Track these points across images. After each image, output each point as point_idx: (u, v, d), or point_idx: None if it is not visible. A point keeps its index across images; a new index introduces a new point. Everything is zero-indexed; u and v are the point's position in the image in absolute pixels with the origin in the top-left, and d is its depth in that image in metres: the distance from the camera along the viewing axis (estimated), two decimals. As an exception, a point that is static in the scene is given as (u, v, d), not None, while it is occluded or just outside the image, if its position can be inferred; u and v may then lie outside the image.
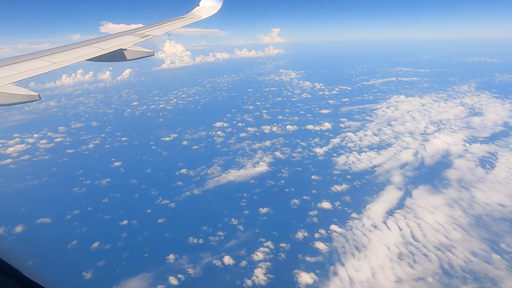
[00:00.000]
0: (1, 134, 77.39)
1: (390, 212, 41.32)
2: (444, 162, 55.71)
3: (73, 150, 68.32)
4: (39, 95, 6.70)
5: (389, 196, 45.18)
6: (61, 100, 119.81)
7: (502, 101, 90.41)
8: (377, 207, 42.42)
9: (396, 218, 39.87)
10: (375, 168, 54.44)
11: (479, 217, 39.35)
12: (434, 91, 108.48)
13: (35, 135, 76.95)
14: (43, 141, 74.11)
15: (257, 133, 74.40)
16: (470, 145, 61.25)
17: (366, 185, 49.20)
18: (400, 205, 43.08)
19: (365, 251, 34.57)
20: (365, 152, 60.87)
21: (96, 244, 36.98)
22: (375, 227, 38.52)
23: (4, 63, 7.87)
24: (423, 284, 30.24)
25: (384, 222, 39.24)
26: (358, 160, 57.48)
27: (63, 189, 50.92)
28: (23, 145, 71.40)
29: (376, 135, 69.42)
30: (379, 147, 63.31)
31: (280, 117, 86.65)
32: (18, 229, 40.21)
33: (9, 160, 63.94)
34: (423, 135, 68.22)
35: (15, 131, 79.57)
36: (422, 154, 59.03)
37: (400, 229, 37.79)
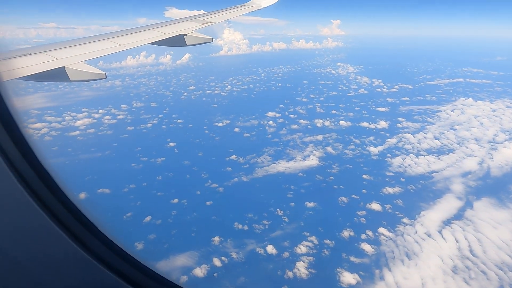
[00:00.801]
0: (72, 108, 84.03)
1: (447, 222, 38.56)
2: (514, 174, 50.67)
3: (133, 128, 72.35)
4: (105, 74, 7.11)
5: (447, 205, 42.15)
6: (125, 80, 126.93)
7: None
8: (433, 215, 39.79)
9: (453, 229, 37.11)
10: (433, 174, 51.05)
11: (551, 239, 35.34)
12: (508, 96, 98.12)
13: (100, 111, 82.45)
14: (107, 117, 79.29)
15: (309, 126, 73.16)
16: (548, 158, 54.96)
17: (422, 191, 46.37)
18: (459, 215, 40.01)
19: (416, 259, 32.74)
20: (424, 155, 57.21)
21: (148, 218, 39.04)
22: (429, 235, 36.23)
23: (78, 43, 8.37)
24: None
25: (439, 232, 36.74)
26: (415, 164, 54.24)
27: (122, 163, 54.29)
28: (90, 119, 77.03)
29: (437, 139, 64.84)
30: (439, 152, 59.14)
31: (334, 111, 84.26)
32: (81, 196, 43.65)
33: (77, 132, 69.48)
34: (491, 143, 62.40)
35: (84, 105, 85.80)
36: (488, 164, 54.13)
37: (457, 241, 35.16)
